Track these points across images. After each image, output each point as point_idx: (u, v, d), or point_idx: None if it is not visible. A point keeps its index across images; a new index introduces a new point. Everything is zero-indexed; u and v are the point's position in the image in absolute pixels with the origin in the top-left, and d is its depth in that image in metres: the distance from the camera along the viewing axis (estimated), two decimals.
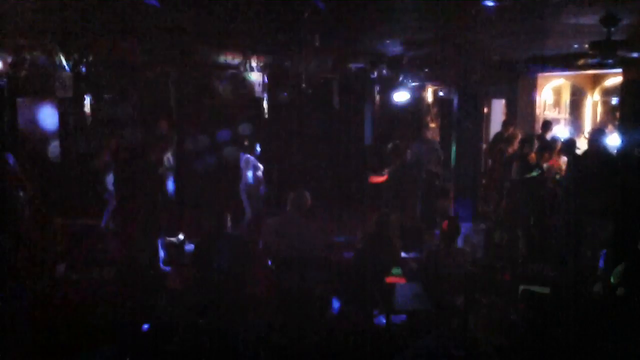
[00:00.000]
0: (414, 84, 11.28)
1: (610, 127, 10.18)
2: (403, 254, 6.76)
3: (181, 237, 8.18)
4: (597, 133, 7.44)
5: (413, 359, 4.32)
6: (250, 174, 9.23)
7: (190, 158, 10.07)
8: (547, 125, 9.58)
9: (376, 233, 6.02)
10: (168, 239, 7.88)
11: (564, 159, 8.64)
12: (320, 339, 5.39)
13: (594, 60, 7.53)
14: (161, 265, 6.91)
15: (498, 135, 10.01)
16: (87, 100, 11.27)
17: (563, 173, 8.16)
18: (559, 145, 8.66)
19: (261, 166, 9.39)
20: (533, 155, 8.30)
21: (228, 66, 10.19)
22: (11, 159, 6.28)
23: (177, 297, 5.52)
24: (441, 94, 12.94)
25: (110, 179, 9.05)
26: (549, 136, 9.31)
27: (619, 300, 4.83)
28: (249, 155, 9.27)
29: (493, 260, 6.91)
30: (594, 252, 6.34)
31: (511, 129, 10.03)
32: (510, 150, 9.41)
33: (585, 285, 5.52)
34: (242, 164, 9.35)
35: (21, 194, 6.36)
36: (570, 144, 8.04)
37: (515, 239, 7.90)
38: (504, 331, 5.49)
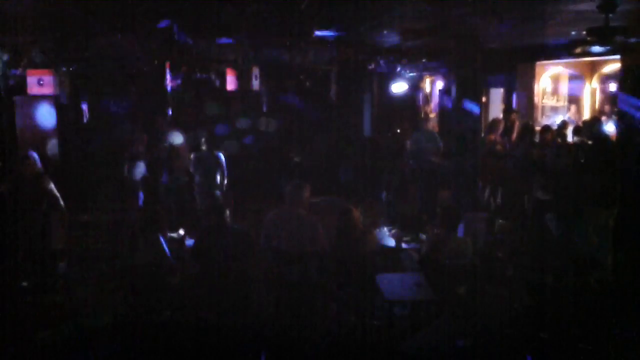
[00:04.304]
0: (412, 74, 11.26)
1: (608, 113, 10.22)
2: (404, 245, 6.75)
3: (181, 232, 8.17)
4: (594, 122, 7.46)
5: (416, 349, 4.32)
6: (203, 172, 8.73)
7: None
8: (565, 125, 9.57)
9: (341, 230, 5.86)
10: (169, 234, 7.87)
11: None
12: (322, 332, 5.39)
13: (592, 47, 7.51)
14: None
15: (489, 124, 10.06)
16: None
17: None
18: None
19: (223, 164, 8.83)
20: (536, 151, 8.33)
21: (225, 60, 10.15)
22: (35, 156, 6.32)
23: (177, 293, 5.52)
24: (439, 83, 12.93)
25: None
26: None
27: (622, 288, 4.84)
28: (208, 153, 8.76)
29: (494, 250, 6.90)
30: (598, 241, 6.35)
31: (513, 116, 10.08)
32: (492, 137, 9.47)
33: (589, 274, 5.52)
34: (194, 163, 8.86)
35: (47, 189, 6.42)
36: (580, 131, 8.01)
37: (516, 229, 7.91)
38: (508, 321, 5.50)
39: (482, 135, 10.64)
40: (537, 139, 8.89)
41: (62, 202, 6.35)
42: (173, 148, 9.00)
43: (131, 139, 9.44)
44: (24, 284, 5.75)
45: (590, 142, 7.56)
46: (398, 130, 10.43)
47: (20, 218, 5.99)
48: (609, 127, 9.13)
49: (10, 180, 6.21)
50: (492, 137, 9.57)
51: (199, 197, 8.73)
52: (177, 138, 9.09)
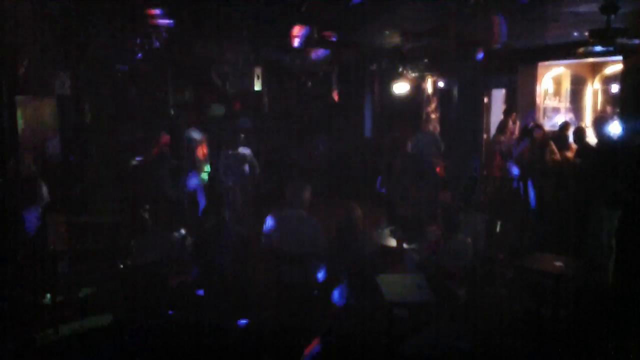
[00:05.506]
0: (413, 75, 11.25)
1: (610, 114, 10.19)
2: (405, 245, 6.75)
3: (183, 232, 8.17)
4: (602, 120, 7.44)
5: (417, 351, 4.32)
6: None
7: None
8: (566, 125, 9.52)
9: (344, 228, 5.85)
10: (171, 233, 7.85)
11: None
12: (321, 333, 5.38)
13: (594, 49, 7.50)
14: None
15: (498, 125, 10.06)
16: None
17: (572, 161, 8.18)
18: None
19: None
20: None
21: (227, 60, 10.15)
22: (30, 158, 6.35)
23: (176, 293, 5.52)
24: (441, 84, 12.90)
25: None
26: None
27: (622, 290, 4.83)
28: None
29: (495, 251, 6.90)
30: (600, 242, 6.33)
31: (513, 116, 10.08)
32: (501, 138, 9.48)
33: (590, 276, 5.51)
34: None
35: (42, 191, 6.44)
36: (580, 133, 7.98)
37: (517, 230, 7.90)
38: (508, 323, 5.49)
39: (484, 136, 10.67)
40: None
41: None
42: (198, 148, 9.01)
43: (154, 140, 9.34)
44: (24, 283, 5.75)
45: (595, 143, 7.54)
46: (397, 134, 10.44)
47: (14, 219, 5.98)
48: (614, 127, 9.12)
49: (5, 181, 6.22)
50: (502, 137, 9.57)
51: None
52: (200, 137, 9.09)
